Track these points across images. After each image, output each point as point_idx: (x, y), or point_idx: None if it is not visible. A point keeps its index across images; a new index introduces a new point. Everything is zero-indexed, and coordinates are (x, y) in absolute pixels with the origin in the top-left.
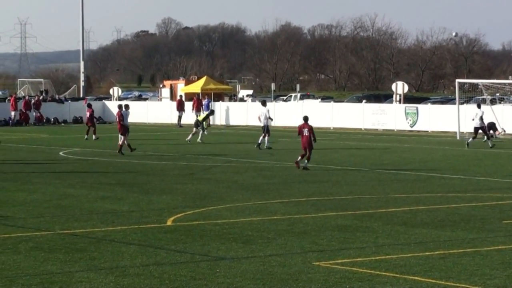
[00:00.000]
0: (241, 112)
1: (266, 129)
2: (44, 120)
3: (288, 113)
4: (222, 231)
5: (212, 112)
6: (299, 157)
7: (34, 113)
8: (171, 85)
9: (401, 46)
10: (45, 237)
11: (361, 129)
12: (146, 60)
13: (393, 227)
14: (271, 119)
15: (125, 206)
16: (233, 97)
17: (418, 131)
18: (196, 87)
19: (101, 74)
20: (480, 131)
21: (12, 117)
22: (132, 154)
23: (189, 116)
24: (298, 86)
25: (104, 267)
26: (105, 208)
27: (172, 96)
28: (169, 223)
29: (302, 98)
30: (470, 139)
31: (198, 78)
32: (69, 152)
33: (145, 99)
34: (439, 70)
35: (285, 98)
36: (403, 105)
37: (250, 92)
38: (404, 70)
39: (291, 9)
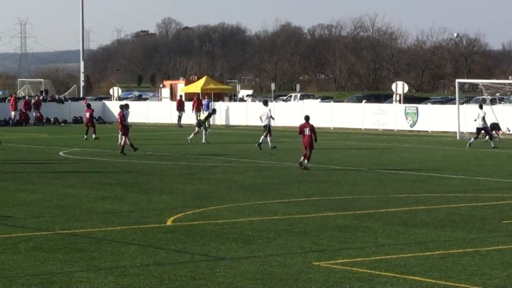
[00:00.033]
0: (241, 112)
1: (268, 129)
2: (44, 120)
3: (288, 113)
4: (222, 231)
5: (214, 111)
6: (302, 158)
7: (34, 113)
8: (171, 85)
9: (401, 46)
10: (45, 237)
11: (361, 129)
12: (146, 60)
13: (393, 227)
14: (273, 118)
15: (125, 206)
16: (233, 97)
17: (418, 131)
18: (196, 87)
19: (101, 74)
20: (482, 131)
21: (12, 117)
22: (132, 154)
23: (189, 116)
24: (298, 86)
25: (104, 267)
26: (105, 208)
27: (172, 96)
28: (169, 223)
29: (302, 98)
30: (472, 139)
31: (198, 78)
32: (69, 152)
33: (145, 99)
34: (439, 70)
35: (285, 98)
36: (403, 105)
37: (250, 92)
38: (404, 70)
39: (291, 9)
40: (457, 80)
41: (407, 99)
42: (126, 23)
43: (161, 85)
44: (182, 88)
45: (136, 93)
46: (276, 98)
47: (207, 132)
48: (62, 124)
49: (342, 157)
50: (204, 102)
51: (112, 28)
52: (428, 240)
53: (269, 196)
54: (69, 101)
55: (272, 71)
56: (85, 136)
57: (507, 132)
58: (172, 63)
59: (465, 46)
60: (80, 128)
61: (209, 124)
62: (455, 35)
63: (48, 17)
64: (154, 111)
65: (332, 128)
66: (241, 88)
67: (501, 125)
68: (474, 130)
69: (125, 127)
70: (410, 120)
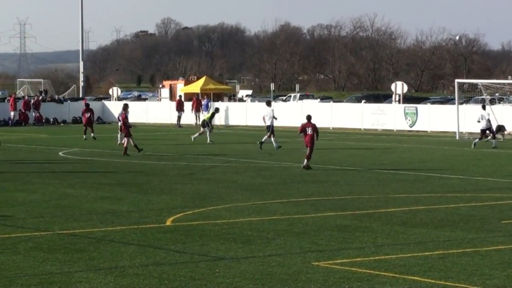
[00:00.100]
0: (241, 112)
1: (271, 130)
2: (44, 120)
3: (287, 113)
4: (221, 231)
5: (217, 110)
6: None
7: (33, 113)
8: (170, 85)
9: (401, 46)
10: (45, 237)
11: (360, 129)
12: (145, 60)
13: (392, 227)
14: (275, 118)
15: (124, 206)
16: (232, 97)
17: (418, 131)
18: (195, 87)
19: (100, 74)
20: (487, 131)
21: (12, 117)
22: (132, 155)
23: (189, 117)
24: (297, 86)
25: (103, 267)
26: (105, 208)
27: (172, 96)
28: (168, 223)
29: (301, 98)
30: (477, 139)
31: (198, 78)
32: (68, 152)
33: (145, 99)
34: (438, 70)
35: (284, 98)
36: (402, 105)
37: (250, 92)
38: (404, 70)
39: (291, 9)
40: (457, 80)
41: (407, 99)
42: (126, 23)
43: (160, 85)
44: (181, 88)
45: (136, 93)
46: (275, 98)
47: (211, 132)
48: (62, 124)
49: (341, 157)
50: (204, 102)
51: (111, 28)
52: (427, 240)
53: (268, 196)
54: (69, 101)
55: (272, 71)
56: (84, 136)
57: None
58: (172, 63)
59: (465, 46)
60: (79, 128)
61: (211, 124)
62: (457, 37)
63: (47, 17)
64: (153, 111)
65: (331, 128)
66: (240, 88)
67: (506, 126)
68: (474, 130)
69: (128, 129)
70: (409, 120)
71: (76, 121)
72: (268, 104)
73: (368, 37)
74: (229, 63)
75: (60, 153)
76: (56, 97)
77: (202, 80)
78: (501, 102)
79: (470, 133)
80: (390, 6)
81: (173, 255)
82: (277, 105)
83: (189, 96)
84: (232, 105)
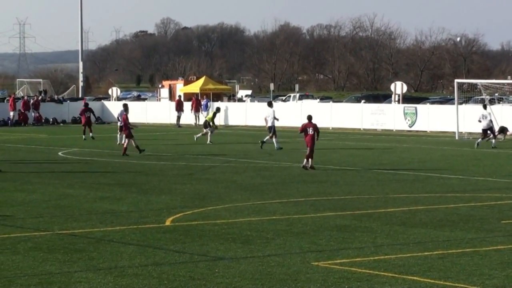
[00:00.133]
0: (240, 112)
1: (273, 130)
2: (43, 120)
3: (287, 113)
4: (221, 231)
5: (218, 110)
6: (310, 159)
7: (33, 113)
8: (170, 85)
9: (400, 46)
10: (44, 237)
11: (360, 129)
12: (145, 60)
13: (391, 227)
14: (277, 119)
15: (124, 206)
16: (231, 97)
17: (417, 131)
18: (195, 87)
19: (100, 74)
20: (488, 131)
21: (11, 117)
22: (131, 155)
23: (188, 117)
24: (297, 86)
25: (103, 267)
26: (104, 208)
27: (171, 96)
28: (167, 223)
29: (301, 98)
30: (480, 139)
31: (197, 78)
32: (68, 152)
33: (144, 99)
34: (438, 70)
35: (284, 98)
36: (402, 105)
37: (249, 92)
38: (403, 70)
39: (290, 9)
40: (456, 80)
41: (406, 99)
42: (125, 23)
43: (160, 85)
44: (181, 88)
45: (135, 93)
46: (275, 98)
47: (213, 133)
48: (61, 124)
49: (341, 157)
50: (203, 102)
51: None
52: (426, 240)
53: (268, 196)
54: (68, 101)
55: (271, 71)
56: (84, 137)
57: None
58: (171, 63)
59: (464, 46)
60: (79, 128)
61: (214, 124)
62: (458, 39)
63: (47, 17)
64: (153, 111)
65: (331, 128)
66: (240, 88)
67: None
68: (473, 130)
69: (129, 129)
70: (409, 120)
71: (75, 121)
72: (270, 105)
73: (367, 37)
74: (229, 63)
75: (59, 153)
76: (56, 97)
77: (201, 80)
78: (501, 102)
79: (470, 133)
80: (390, 6)
81: (172, 255)
82: (276, 105)
83: (188, 96)
84: (231, 105)
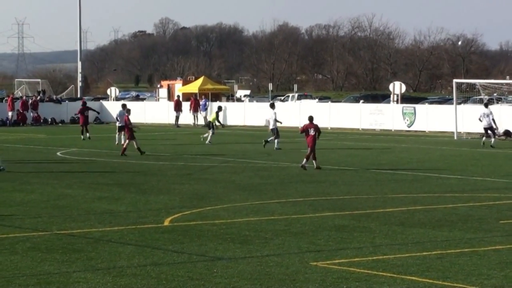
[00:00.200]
0: (239, 112)
1: (276, 133)
2: (42, 121)
3: (286, 113)
4: (219, 231)
5: (220, 109)
6: (314, 161)
7: (31, 114)
8: (168, 85)
9: (399, 46)
10: (43, 238)
11: (358, 129)
12: (143, 60)
13: (390, 227)
14: (280, 122)
15: (122, 206)
16: (230, 97)
17: (416, 131)
18: (193, 87)
19: (98, 74)
20: (489, 131)
21: (10, 117)
22: (130, 155)
23: (187, 117)
24: (295, 86)
25: (101, 268)
26: (103, 208)
27: (170, 96)
28: (166, 223)
29: (299, 98)
30: (484, 138)
31: (196, 78)
32: (66, 152)
33: (143, 99)
34: (436, 70)
35: (282, 98)
36: (400, 105)
37: (248, 92)
38: (402, 70)
39: (289, 9)
40: (455, 80)
41: (405, 99)
42: (124, 23)
43: (158, 85)
44: (179, 88)
45: (134, 93)
46: (273, 98)
47: (214, 134)
48: (60, 124)
49: (339, 157)
50: (202, 102)
51: (109, 28)
52: (425, 240)
53: (266, 196)
54: (67, 102)
55: (270, 71)
56: (82, 137)
57: None
58: (170, 63)
59: (463, 46)
60: (77, 128)
61: (220, 123)
62: (459, 43)
63: (45, 17)
64: (151, 111)
65: (329, 128)
66: (238, 88)
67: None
68: (472, 130)
69: (131, 131)
70: (407, 120)
71: (74, 121)
72: (272, 106)
73: (366, 37)
74: (227, 63)
75: (58, 153)
76: (54, 97)
77: (200, 80)
78: (499, 102)
79: (468, 133)
80: (388, 6)
81: (171, 255)
82: (275, 105)
83: (187, 96)
84: (230, 105)
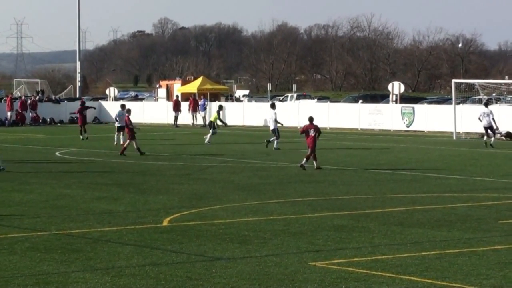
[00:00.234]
0: (238, 112)
1: (277, 133)
2: (40, 121)
3: (284, 113)
4: (218, 231)
5: (220, 108)
6: (314, 161)
7: (30, 114)
8: (167, 85)
9: (398, 46)
10: (41, 238)
11: (357, 129)
12: (142, 60)
13: (389, 227)
14: (281, 124)
15: (121, 207)
16: (229, 97)
17: (415, 131)
18: (192, 87)
19: (97, 74)
20: (489, 130)
21: (8, 117)
22: (129, 155)
23: (186, 117)
24: (294, 86)
25: (100, 268)
26: (101, 209)
27: (169, 96)
28: (165, 223)
29: (298, 98)
30: (485, 137)
31: (195, 78)
32: (65, 152)
33: (142, 99)
34: (435, 70)
35: (281, 98)
36: (399, 105)
37: (247, 92)
38: (401, 70)
39: (288, 9)
40: (454, 80)
41: (404, 99)
42: (123, 23)
43: (157, 85)
44: (178, 88)
45: (133, 93)
46: (272, 98)
47: (214, 134)
48: (58, 124)
49: (338, 157)
50: (200, 102)
51: (108, 28)
52: (424, 240)
53: (265, 196)
54: (65, 102)
55: (269, 71)
56: (81, 137)
57: None
58: (169, 63)
59: (462, 47)
60: (76, 128)
61: (222, 122)
62: (460, 45)
63: (44, 17)
64: (150, 111)
65: (328, 128)
66: (237, 88)
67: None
68: (471, 130)
69: (131, 131)
70: (406, 120)
71: (73, 121)
72: (272, 106)
73: (365, 37)
74: (226, 63)
75: (57, 153)
76: (53, 97)
77: (199, 80)
78: (498, 102)
79: (467, 133)
80: (387, 6)
81: (170, 255)
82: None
83: (186, 96)
84: (229, 105)
